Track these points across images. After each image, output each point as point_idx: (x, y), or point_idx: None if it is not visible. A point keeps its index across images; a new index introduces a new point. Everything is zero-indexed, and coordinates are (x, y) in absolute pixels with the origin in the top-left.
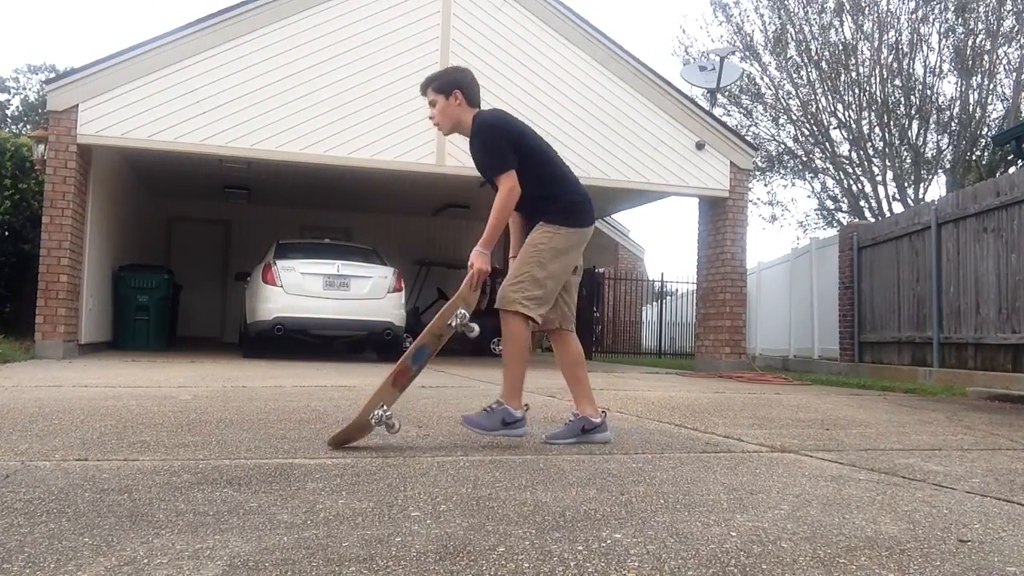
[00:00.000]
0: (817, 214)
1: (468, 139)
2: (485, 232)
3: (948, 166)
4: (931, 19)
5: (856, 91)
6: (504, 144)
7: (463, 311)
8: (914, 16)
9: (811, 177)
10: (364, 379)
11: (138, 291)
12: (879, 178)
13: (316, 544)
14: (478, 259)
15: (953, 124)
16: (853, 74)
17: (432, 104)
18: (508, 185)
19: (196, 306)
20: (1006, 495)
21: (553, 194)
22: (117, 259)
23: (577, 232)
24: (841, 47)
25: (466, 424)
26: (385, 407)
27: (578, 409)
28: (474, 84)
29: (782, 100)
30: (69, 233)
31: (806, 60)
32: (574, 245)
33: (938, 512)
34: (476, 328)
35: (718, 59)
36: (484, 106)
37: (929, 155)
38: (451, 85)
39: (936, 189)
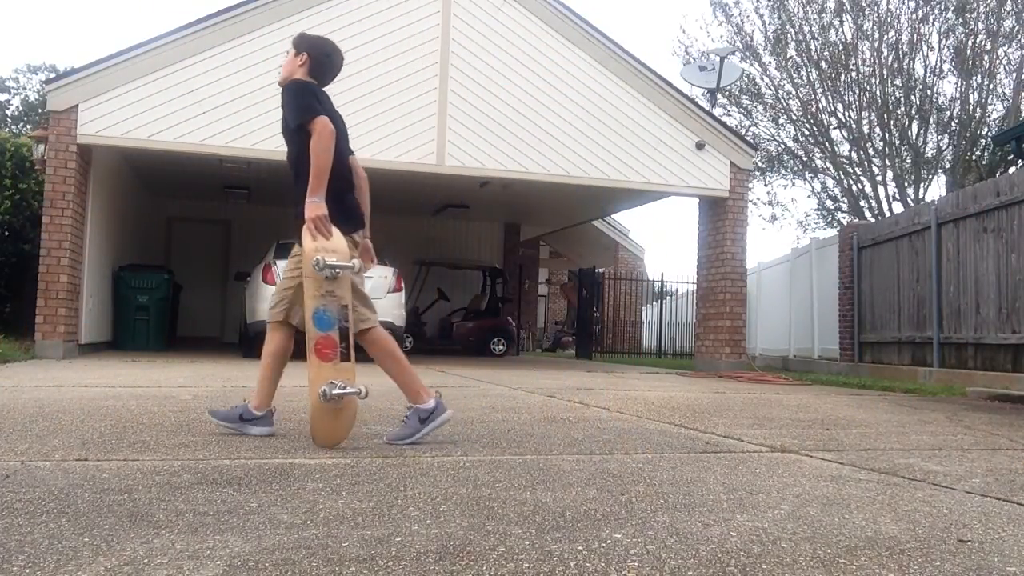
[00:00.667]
0: (817, 214)
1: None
2: (311, 180)
3: (948, 166)
4: (931, 19)
5: (856, 91)
6: (314, 98)
7: (319, 257)
8: (914, 16)
9: (811, 177)
10: (364, 379)
11: (138, 291)
12: (879, 178)
13: (316, 544)
14: (311, 209)
15: (953, 124)
16: (853, 74)
17: (287, 52)
18: (319, 127)
19: (196, 306)
20: (1006, 495)
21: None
22: (117, 259)
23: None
24: (841, 47)
25: (392, 442)
26: (333, 382)
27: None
28: (327, 64)
29: (782, 100)
30: (69, 233)
31: (806, 60)
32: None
33: (938, 512)
34: (356, 263)
35: (718, 59)
36: (486, 108)
37: (929, 155)
38: (305, 48)
39: (936, 189)
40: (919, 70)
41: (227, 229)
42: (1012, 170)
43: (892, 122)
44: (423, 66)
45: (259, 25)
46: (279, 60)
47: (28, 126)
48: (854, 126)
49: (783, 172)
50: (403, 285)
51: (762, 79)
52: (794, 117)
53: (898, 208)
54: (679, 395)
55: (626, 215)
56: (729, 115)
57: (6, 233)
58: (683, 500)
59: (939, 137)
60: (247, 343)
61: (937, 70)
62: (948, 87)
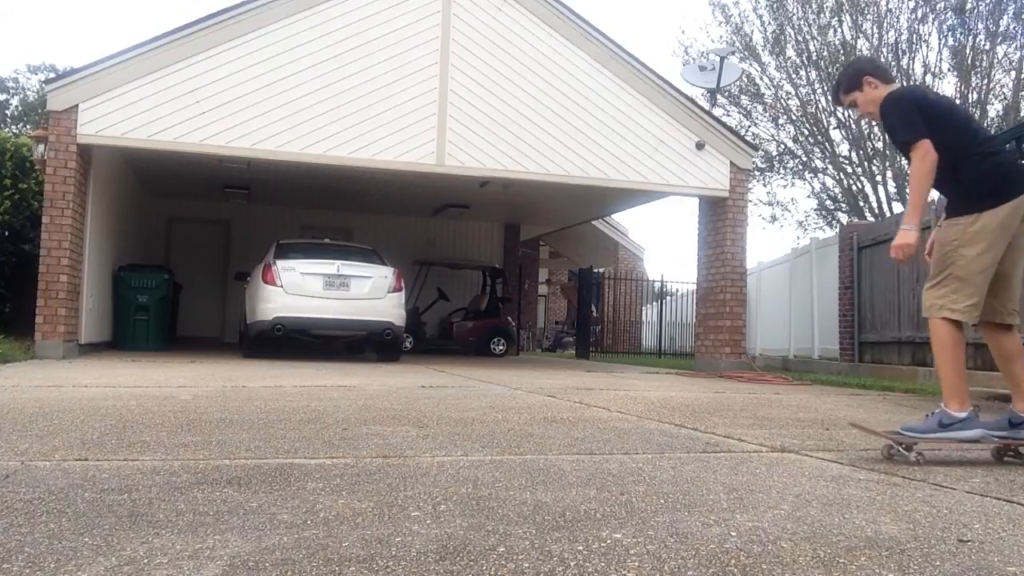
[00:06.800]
0: (817, 214)
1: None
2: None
3: None
4: (930, 19)
5: None
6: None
7: None
8: (913, 16)
9: (811, 177)
10: (365, 379)
11: (138, 291)
12: (879, 178)
13: (316, 544)
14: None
15: None
16: None
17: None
18: (920, 152)
19: (196, 306)
20: (1006, 495)
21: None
22: (117, 259)
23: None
24: (840, 46)
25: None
26: None
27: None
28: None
29: (781, 100)
30: (69, 233)
31: (805, 60)
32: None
33: (938, 512)
34: None
35: (718, 59)
36: (486, 108)
37: None
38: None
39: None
40: (918, 70)
41: (227, 229)
42: None
43: None
44: (423, 66)
45: (259, 25)
46: (279, 60)
47: (28, 126)
48: (853, 126)
49: (783, 172)
50: (403, 285)
51: (761, 79)
52: (794, 117)
53: (898, 208)
54: (679, 395)
55: (626, 215)
56: (729, 115)
57: (6, 233)
58: (683, 500)
59: None
60: (247, 343)
61: (936, 70)
62: (947, 87)
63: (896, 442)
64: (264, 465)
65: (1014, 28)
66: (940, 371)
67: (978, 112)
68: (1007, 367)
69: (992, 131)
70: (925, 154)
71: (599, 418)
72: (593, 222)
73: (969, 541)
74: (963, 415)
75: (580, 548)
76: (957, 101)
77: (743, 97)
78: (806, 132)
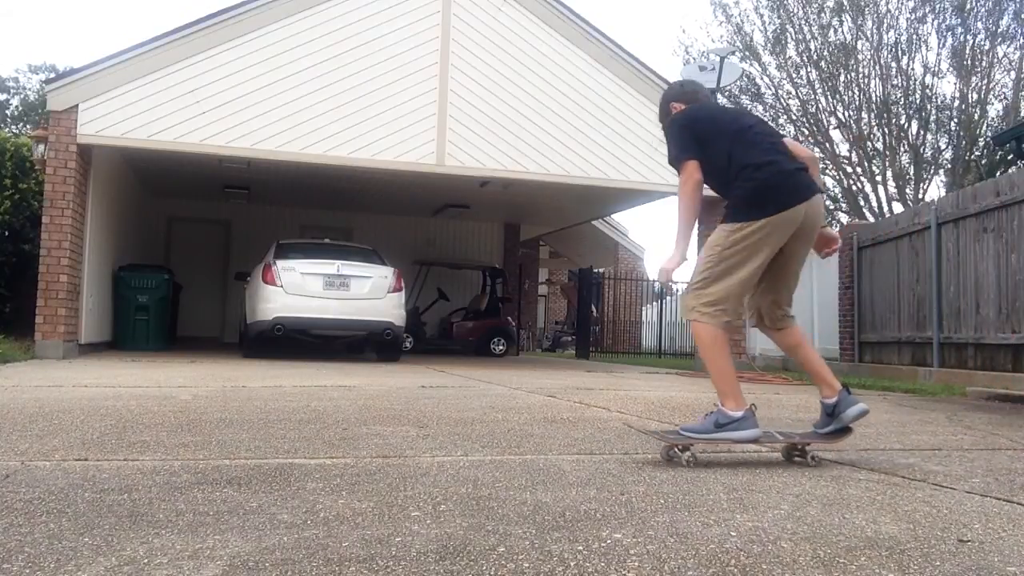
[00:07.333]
0: None
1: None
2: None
3: (948, 166)
4: (930, 19)
5: (855, 91)
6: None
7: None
8: (913, 16)
9: None
10: (365, 379)
11: (138, 291)
12: (879, 178)
13: (316, 544)
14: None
15: (952, 124)
16: (852, 74)
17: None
18: (683, 176)
19: (196, 306)
20: (1006, 495)
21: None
22: (117, 259)
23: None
24: (840, 46)
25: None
26: None
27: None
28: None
29: (782, 100)
30: (69, 233)
31: (805, 60)
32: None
33: (938, 512)
34: None
35: (718, 59)
36: (486, 108)
37: (928, 155)
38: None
39: (935, 189)
40: (918, 70)
41: (227, 229)
42: (1012, 170)
43: (891, 122)
44: (423, 66)
45: (259, 25)
46: (279, 60)
47: (28, 126)
48: (853, 126)
49: None
50: (403, 285)
51: (762, 79)
52: (794, 117)
53: (898, 208)
54: (679, 395)
55: (626, 215)
56: None
57: (6, 233)
58: (683, 500)
59: (938, 137)
60: (247, 343)
61: (936, 70)
62: (947, 87)
63: (672, 443)
64: (264, 465)
65: (1014, 28)
66: (709, 372)
67: (978, 112)
68: (797, 355)
69: (988, 131)
70: (687, 177)
71: (599, 418)
72: (593, 222)
73: (969, 541)
74: (739, 414)
75: (580, 548)
76: (956, 101)
77: (743, 97)
78: (806, 132)
